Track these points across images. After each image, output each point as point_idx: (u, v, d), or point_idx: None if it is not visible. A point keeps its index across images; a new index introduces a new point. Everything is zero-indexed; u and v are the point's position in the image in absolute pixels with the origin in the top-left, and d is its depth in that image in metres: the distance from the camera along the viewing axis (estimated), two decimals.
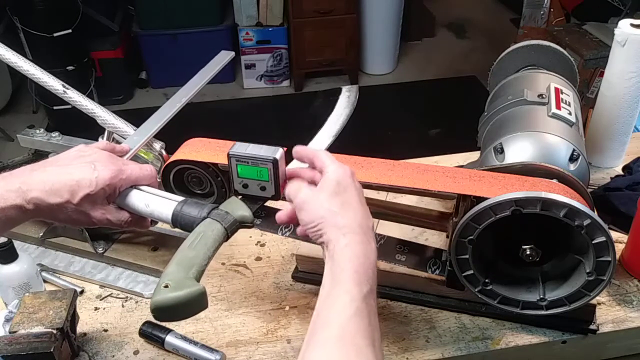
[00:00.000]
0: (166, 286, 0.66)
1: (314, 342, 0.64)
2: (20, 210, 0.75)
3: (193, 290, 0.67)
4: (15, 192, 0.74)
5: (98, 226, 0.82)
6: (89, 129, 1.16)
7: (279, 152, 0.79)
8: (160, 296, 0.66)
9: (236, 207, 0.78)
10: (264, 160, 0.78)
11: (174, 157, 0.99)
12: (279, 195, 0.81)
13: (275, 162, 0.78)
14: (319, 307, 0.67)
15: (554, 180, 0.91)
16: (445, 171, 0.94)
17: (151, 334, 1.01)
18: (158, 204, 0.81)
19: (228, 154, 0.80)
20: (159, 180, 0.97)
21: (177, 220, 0.79)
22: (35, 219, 0.81)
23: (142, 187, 0.83)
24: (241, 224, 0.77)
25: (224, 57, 1.16)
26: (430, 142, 3.44)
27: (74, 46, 3.41)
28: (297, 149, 0.81)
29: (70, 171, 0.78)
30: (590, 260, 0.87)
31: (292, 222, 0.79)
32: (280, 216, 0.80)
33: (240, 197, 0.82)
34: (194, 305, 0.67)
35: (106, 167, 0.79)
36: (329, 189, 0.73)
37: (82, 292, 1.13)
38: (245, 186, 0.82)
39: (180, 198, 0.81)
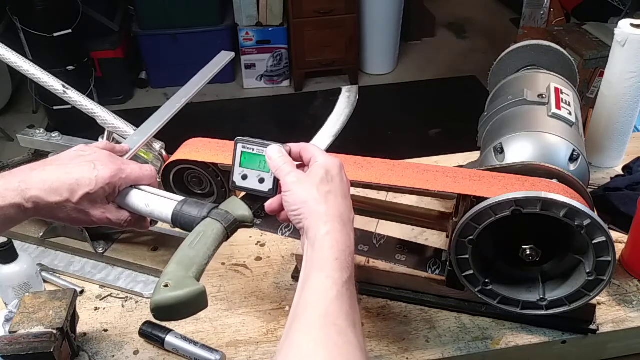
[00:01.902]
0: (166, 285, 0.66)
1: (296, 324, 0.64)
2: (19, 209, 0.74)
3: (193, 289, 0.67)
4: (14, 191, 0.74)
5: (98, 226, 0.82)
6: (89, 129, 1.16)
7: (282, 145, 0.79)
8: (160, 295, 0.65)
9: (236, 207, 0.78)
10: (269, 145, 0.78)
11: (174, 157, 0.99)
12: (275, 190, 0.80)
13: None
14: (299, 293, 0.68)
15: (554, 180, 0.91)
16: (445, 171, 0.94)
17: (151, 334, 1.01)
18: (158, 203, 0.81)
19: (235, 139, 0.81)
20: (159, 180, 0.97)
21: (177, 220, 0.79)
22: (35, 219, 0.81)
23: (142, 187, 0.83)
24: (241, 223, 0.77)
25: (224, 58, 1.17)
26: (430, 142, 3.44)
27: (74, 46, 3.41)
28: (287, 145, 0.81)
29: (69, 170, 0.78)
30: (590, 260, 0.87)
31: (282, 210, 0.79)
32: (271, 204, 0.80)
33: (239, 196, 0.82)
34: (194, 304, 0.67)
35: (106, 166, 0.79)
36: (317, 177, 0.74)
37: (82, 292, 1.13)
38: (244, 177, 0.81)
39: (180, 198, 0.81)
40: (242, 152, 0.81)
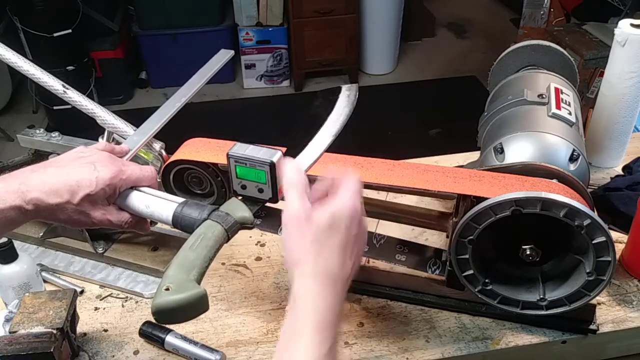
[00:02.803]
0: (167, 289, 0.66)
1: None
2: (19, 211, 0.74)
3: (194, 293, 0.67)
4: (15, 193, 0.74)
5: (98, 227, 0.82)
6: (89, 129, 1.16)
7: (277, 155, 0.78)
8: (161, 299, 0.66)
9: (236, 208, 0.78)
10: (261, 162, 0.78)
11: (174, 157, 0.99)
12: (276, 198, 0.81)
13: (272, 165, 0.78)
14: (280, 354, 0.64)
15: (554, 180, 0.91)
16: (445, 171, 0.94)
17: (151, 334, 1.01)
18: (158, 205, 0.80)
19: (227, 154, 0.80)
20: (159, 180, 0.97)
21: (178, 222, 0.79)
22: (36, 220, 0.81)
23: (142, 188, 0.83)
24: (242, 225, 0.77)
25: (223, 56, 1.16)
26: (430, 142, 3.44)
27: (74, 46, 3.41)
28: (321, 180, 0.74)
29: (69, 171, 0.77)
30: (590, 260, 0.87)
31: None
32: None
33: (240, 197, 0.82)
34: (195, 308, 0.67)
35: (106, 167, 0.79)
36: (317, 226, 0.68)
37: (82, 292, 1.13)
38: (243, 187, 0.81)
39: (181, 199, 0.81)
40: (235, 166, 0.81)
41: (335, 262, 0.67)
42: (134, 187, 0.82)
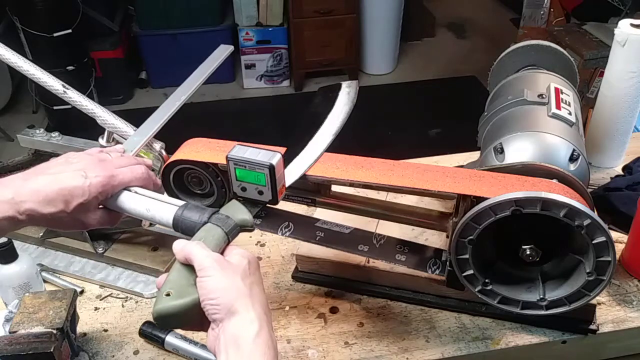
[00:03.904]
0: (168, 294, 0.67)
1: None
2: (12, 221, 0.74)
3: (194, 298, 0.67)
4: (7, 204, 0.74)
5: (91, 229, 0.83)
6: (89, 129, 1.16)
7: (276, 158, 0.78)
8: (162, 305, 0.66)
9: (237, 211, 0.78)
10: (261, 165, 0.78)
11: (174, 157, 0.99)
12: (276, 200, 0.81)
13: (271, 167, 0.78)
14: None
15: (554, 180, 0.91)
16: (445, 171, 0.94)
17: (151, 334, 1.01)
18: (159, 208, 0.80)
19: (227, 157, 0.80)
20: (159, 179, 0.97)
21: (178, 225, 0.79)
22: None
23: (140, 190, 0.83)
24: (242, 227, 0.78)
25: (222, 52, 1.16)
26: (430, 142, 3.44)
27: (74, 46, 3.41)
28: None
29: (61, 179, 0.77)
30: (590, 260, 0.87)
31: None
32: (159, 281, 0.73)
33: (240, 199, 0.82)
34: (195, 312, 0.67)
35: (98, 175, 0.79)
36: (241, 265, 0.70)
37: (82, 292, 1.13)
38: (243, 189, 0.81)
39: (181, 202, 0.81)
40: (235, 168, 0.81)
41: (264, 300, 0.70)
42: (126, 188, 0.82)
